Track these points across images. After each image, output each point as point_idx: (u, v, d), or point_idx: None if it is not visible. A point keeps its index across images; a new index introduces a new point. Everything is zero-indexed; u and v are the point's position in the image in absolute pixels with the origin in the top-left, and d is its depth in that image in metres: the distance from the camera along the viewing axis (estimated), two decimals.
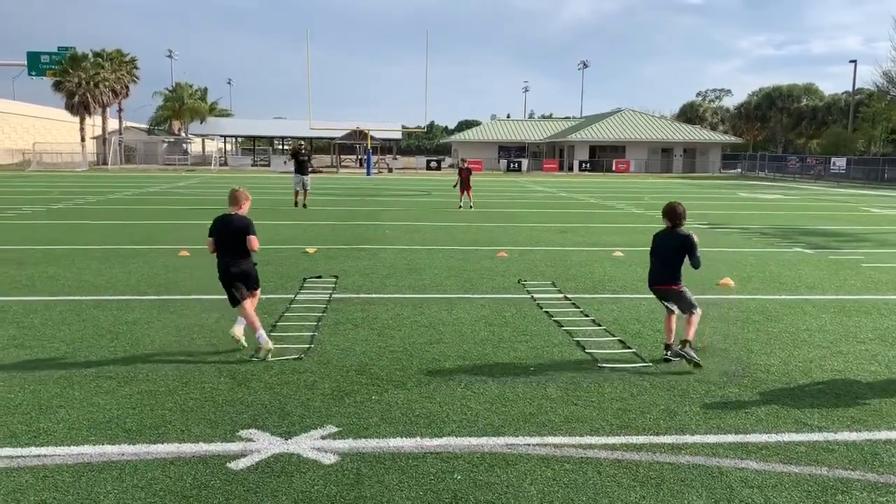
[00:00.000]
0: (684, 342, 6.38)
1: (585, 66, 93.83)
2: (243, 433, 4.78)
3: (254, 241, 6.50)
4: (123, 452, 4.47)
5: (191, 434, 4.75)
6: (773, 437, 4.85)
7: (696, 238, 6.58)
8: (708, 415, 5.25)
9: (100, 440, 4.63)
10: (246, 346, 6.68)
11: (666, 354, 6.54)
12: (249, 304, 6.61)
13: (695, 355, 6.32)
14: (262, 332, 6.49)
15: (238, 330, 6.65)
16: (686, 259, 6.58)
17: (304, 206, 22.22)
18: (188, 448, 4.54)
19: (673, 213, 6.60)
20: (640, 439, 4.80)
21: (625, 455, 4.54)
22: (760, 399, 5.60)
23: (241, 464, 4.32)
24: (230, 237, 6.52)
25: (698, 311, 6.56)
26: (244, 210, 6.68)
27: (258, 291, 6.94)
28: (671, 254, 6.59)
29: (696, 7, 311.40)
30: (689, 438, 4.82)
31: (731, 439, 4.82)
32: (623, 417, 5.17)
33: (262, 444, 4.60)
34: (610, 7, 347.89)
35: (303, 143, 27.05)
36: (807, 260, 12.98)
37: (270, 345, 6.48)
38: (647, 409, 5.33)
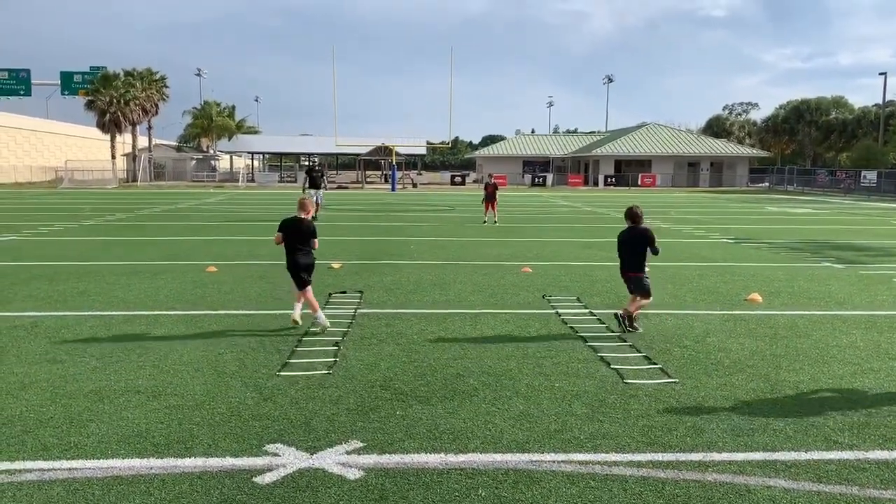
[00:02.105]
0: (628, 312, 8.12)
1: (610, 80, 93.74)
2: (269, 448, 4.82)
3: (316, 243, 8.38)
4: (152, 466, 4.52)
5: (218, 448, 4.80)
6: (802, 456, 4.78)
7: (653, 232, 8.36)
8: (735, 432, 5.19)
9: (129, 454, 4.70)
10: (301, 324, 8.04)
11: (626, 324, 8.11)
12: (310, 291, 8.21)
13: (628, 326, 8.05)
14: (320, 314, 8.20)
15: (296, 314, 8.09)
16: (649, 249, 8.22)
17: (315, 217, 22.80)
18: (215, 462, 4.59)
19: (634, 214, 8.34)
20: (667, 457, 4.76)
21: (651, 472, 4.51)
22: (789, 416, 5.53)
23: (268, 478, 4.35)
24: (301, 236, 8.23)
25: (650, 299, 8.33)
26: (309, 215, 8.45)
27: (309, 285, 8.36)
28: (636, 246, 8.25)
29: (720, 20, 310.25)
30: (716, 456, 4.77)
31: (759, 457, 4.76)
32: (649, 434, 5.13)
33: (288, 459, 4.63)
34: (633, 21, 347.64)
35: (316, 160, 27.68)
36: (837, 275, 12.79)
37: (327, 323, 8.16)
38: (674, 426, 5.28)
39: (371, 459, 4.66)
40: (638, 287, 8.24)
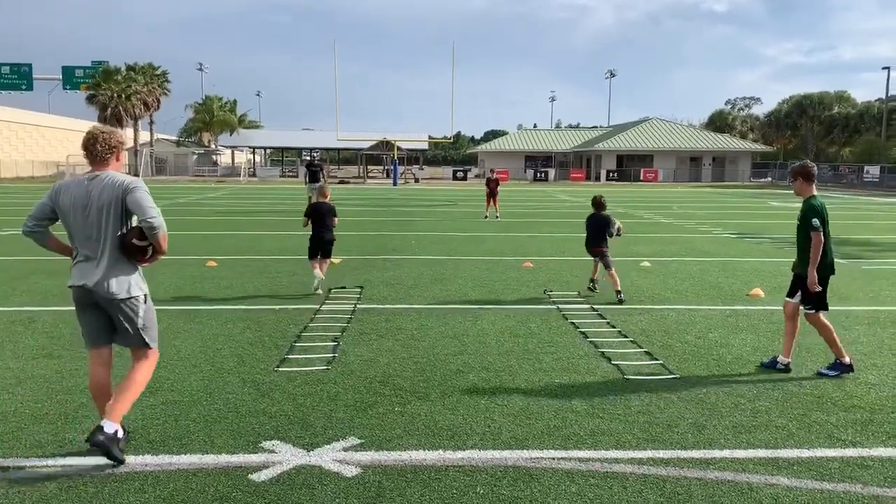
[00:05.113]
0: (617, 292, 9.65)
1: (613, 75, 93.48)
2: (266, 444, 4.76)
3: (335, 220, 10.30)
4: (147, 463, 4.48)
5: (214, 445, 4.75)
6: (804, 453, 4.73)
7: (612, 217, 10.31)
8: (737, 429, 5.13)
9: (124, 450, 4.64)
10: (321, 292, 9.82)
11: (590, 286, 10.32)
12: (325, 263, 10.22)
13: (622, 297, 9.62)
14: (320, 276, 10.06)
15: (317, 271, 9.99)
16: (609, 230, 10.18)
17: None
18: (211, 459, 4.54)
19: (598, 203, 10.37)
20: (668, 454, 4.70)
21: (651, 470, 4.45)
22: (792, 413, 5.47)
23: (264, 476, 4.30)
24: (324, 217, 10.14)
25: (614, 269, 9.94)
26: (328, 198, 10.41)
27: (329, 258, 10.34)
28: (600, 227, 10.17)
29: (721, 15, 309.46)
30: (717, 453, 4.71)
31: (761, 454, 4.71)
32: (650, 431, 5.07)
33: (285, 456, 4.58)
34: (634, 16, 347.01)
35: (315, 154, 27.78)
36: (839, 270, 12.68)
37: (322, 279, 10.10)
38: (675, 423, 5.23)
39: (368, 456, 4.61)
40: (605, 260, 9.98)
